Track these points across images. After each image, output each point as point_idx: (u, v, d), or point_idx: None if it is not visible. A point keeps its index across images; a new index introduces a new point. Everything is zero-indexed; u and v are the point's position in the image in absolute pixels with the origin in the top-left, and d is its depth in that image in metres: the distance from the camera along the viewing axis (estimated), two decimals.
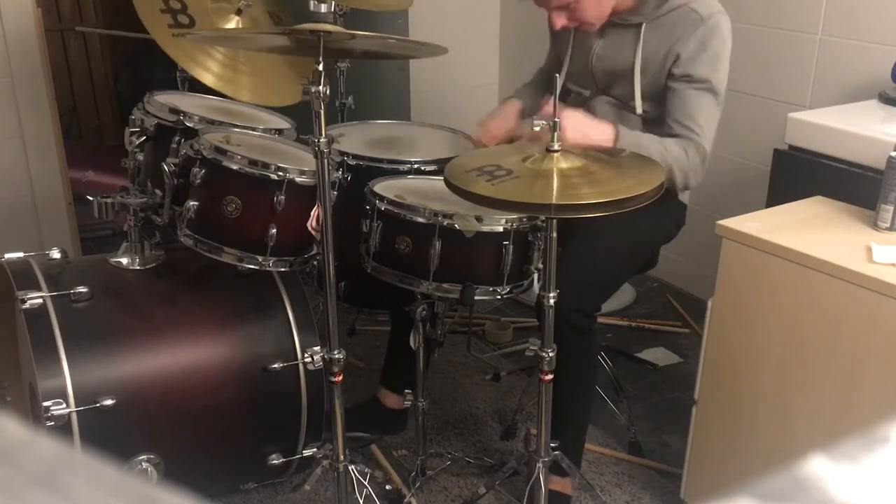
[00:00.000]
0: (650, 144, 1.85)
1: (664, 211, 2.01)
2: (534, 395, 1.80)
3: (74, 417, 1.61)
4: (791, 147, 2.00)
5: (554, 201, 1.45)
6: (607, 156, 1.65)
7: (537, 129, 1.56)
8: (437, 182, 1.71)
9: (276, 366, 1.80)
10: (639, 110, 1.96)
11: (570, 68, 2.08)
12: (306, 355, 1.83)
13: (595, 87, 2.04)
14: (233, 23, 2.09)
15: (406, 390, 2.05)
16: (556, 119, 1.54)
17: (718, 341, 1.79)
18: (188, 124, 1.86)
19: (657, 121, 1.95)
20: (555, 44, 2.18)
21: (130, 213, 1.87)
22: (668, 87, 1.91)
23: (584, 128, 1.82)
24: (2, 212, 2.79)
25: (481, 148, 2.02)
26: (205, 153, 1.70)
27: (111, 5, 4.49)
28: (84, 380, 1.63)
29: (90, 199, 1.88)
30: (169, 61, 2.24)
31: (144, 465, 1.69)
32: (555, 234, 1.59)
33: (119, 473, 0.30)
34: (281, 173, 1.69)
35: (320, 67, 1.46)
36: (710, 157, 1.91)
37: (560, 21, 1.92)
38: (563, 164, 1.53)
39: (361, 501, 1.82)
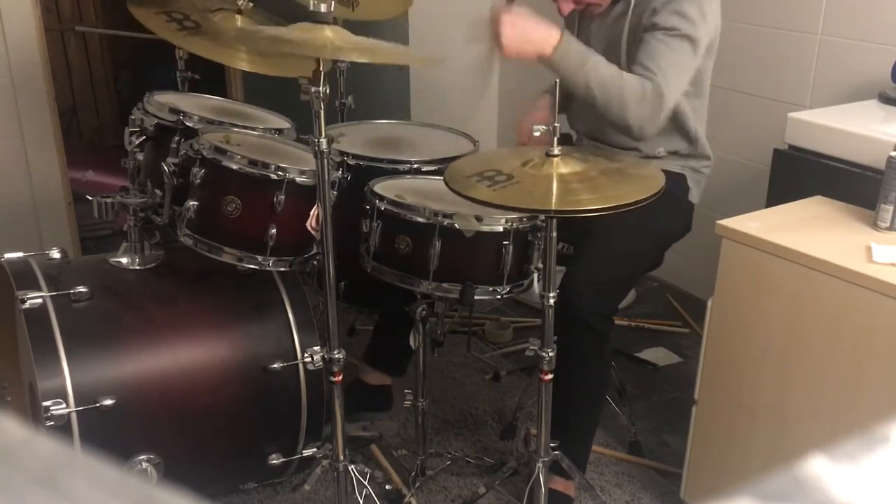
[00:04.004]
0: (602, 64, 1.78)
1: (675, 211, 2.00)
2: (534, 394, 1.80)
3: (74, 417, 1.61)
4: (791, 147, 2.00)
5: (553, 207, 1.45)
6: (608, 161, 1.65)
7: (537, 133, 1.55)
8: (437, 182, 1.71)
9: (276, 366, 1.80)
10: None
11: None
12: (306, 355, 1.83)
13: None
14: (237, 24, 2.09)
15: (406, 390, 2.05)
16: (556, 124, 1.54)
17: (718, 341, 1.79)
18: (188, 124, 1.86)
19: None
20: None
21: (130, 213, 1.87)
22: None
23: (523, 26, 1.76)
24: (2, 212, 2.79)
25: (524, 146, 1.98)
26: (205, 153, 1.70)
27: (111, 5, 4.49)
28: (84, 380, 1.63)
29: (90, 199, 1.88)
30: (169, 61, 2.25)
31: (144, 465, 1.69)
32: (554, 234, 1.59)
33: (119, 473, 0.30)
34: (281, 173, 1.69)
35: (321, 68, 1.46)
36: (671, 105, 1.82)
37: (567, 6, 1.92)
38: (563, 170, 1.53)
39: (361, 501, 1.82)
